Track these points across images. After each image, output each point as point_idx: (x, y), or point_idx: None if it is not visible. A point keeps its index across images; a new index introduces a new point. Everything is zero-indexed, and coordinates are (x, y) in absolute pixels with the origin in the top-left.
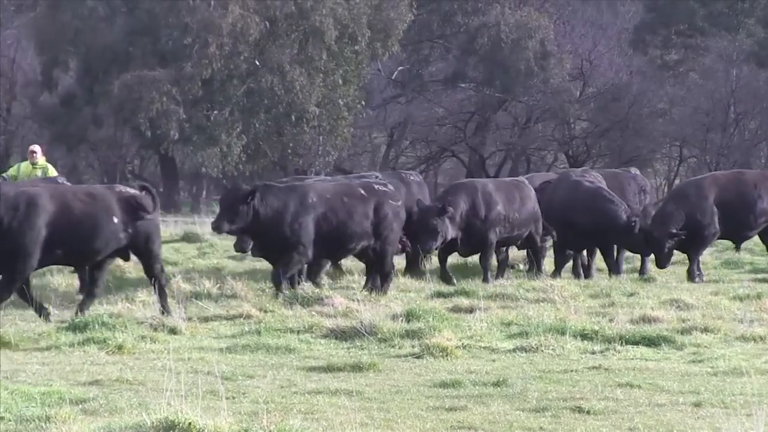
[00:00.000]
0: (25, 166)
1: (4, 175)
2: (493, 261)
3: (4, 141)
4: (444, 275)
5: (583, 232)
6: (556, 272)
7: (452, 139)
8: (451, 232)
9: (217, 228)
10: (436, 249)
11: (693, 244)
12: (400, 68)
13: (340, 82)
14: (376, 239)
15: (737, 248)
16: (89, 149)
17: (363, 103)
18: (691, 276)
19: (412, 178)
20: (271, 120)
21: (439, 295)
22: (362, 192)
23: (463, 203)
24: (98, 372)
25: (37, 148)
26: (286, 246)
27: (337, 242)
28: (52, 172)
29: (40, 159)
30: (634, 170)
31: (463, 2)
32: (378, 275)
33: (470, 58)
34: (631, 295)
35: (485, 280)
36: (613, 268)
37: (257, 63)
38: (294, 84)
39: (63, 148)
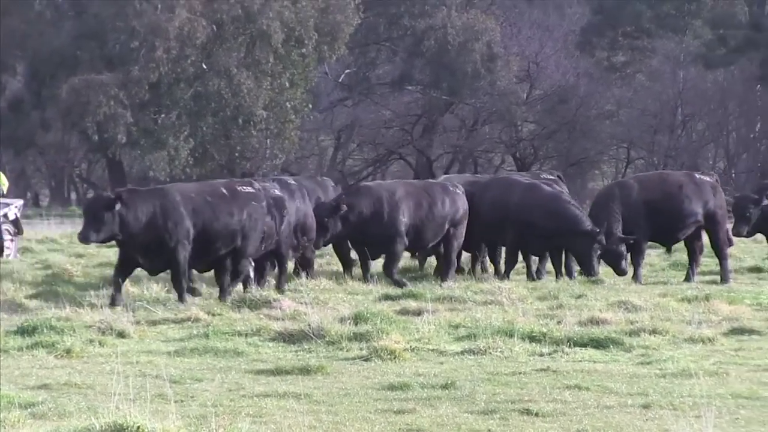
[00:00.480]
0: None
1: None
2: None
3: None
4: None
5: (543, 236)
6: (505, 275)
7: (399, 142)
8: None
9: (84, 239)
10: (324, 245)
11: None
12: (347, 71)
13: (287, 85)
14: (241, 240)
15: (668, 251)
16: (37, 153)
17: (310, 106)
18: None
19: (331, 184)
20: (219, 123)
21: (387, 297)
22: (225, 192)
23: (363, 205)
24: (47, 376)
25: None
26: (167, 249)
27: (204, 243)
28: (2, 178)
29: None
30: (549, 173)
31: (409, 5)
32: (232, 275)
33: (417, 60)
34: (579, 297)
35: (396, 283)
36: (567, 271)
37: (204, 66)
38: (241, 87)
39: (11, 152)
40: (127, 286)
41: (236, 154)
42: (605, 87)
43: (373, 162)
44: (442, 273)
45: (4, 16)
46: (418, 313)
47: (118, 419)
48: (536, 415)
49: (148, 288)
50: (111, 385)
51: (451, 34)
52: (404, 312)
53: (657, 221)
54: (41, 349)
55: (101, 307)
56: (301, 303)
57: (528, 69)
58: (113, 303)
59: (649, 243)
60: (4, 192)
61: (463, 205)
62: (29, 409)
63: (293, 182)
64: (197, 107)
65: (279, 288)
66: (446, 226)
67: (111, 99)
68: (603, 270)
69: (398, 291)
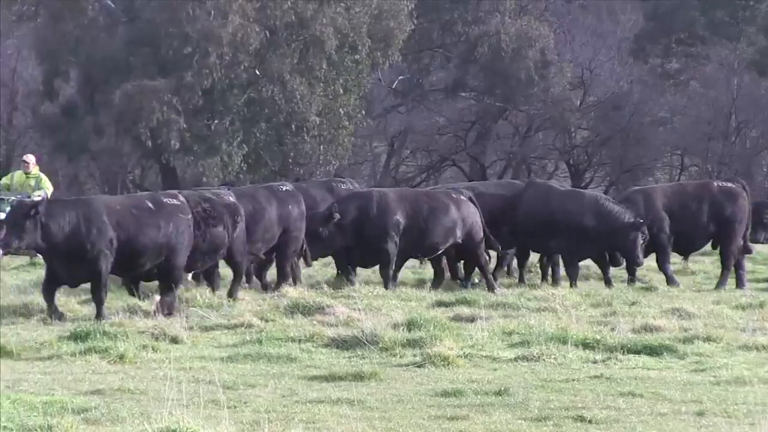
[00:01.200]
0: (18, 175)
1: None
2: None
3: (5, 151)
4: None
5: (591, 239)
6: (573, 283)
7: (453, 149)
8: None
9: (4, 245)
10: (321, 256)
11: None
12: (400, 77)
13: (341, 91)
14: (167, 252)
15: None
16: (90, 159)
17: (363, 112)
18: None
19: (342, 186)
20: (272, 129)
21: (441, 304)
22: (150, 205)
23: (355, 211)
24: (100, 381)
25: (30, 158)
26: (87, 258)
27: (128, 256)
28: (46, 182)
29: (34, 169)
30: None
31: (463, 12)
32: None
33: (470, 67)
34: (633, 304)
35: (386, 287)
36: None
37: (257, 72)
38: (294, 93)
39: (64, 157)
40: (182, 292)
41: (289, 160)
42: (659, 94)
43: (427, 168)
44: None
45: (58, 22)
46: (472, 319)
47: (171, 425)
48: (590, 422)
49: (202, 294)
50: (164, 390)
51: (505, 41)
52: (458, 318)
53: (675, 230)
54: (94, 354)
55: (155, 313)
56: (355, 309)
57: (581, 76)
58: (55, 318)
59: (705, 250)
60: (48, 195)
61: (468, 213)
62: (82, 415)
63: (286, 189)
64: (250, 113)
65: (231, 295)
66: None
67: (164, 105)
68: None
69: (452, 297)
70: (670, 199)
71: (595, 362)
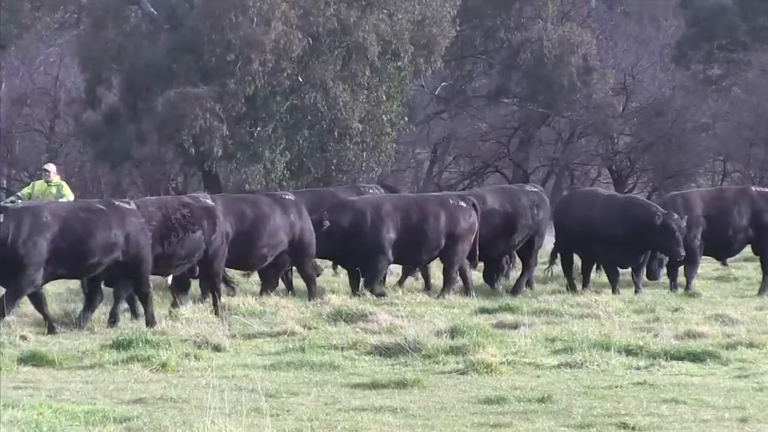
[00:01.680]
0: (39, 184)
1: (18, 194)
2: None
3: (47, 159)
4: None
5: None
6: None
7: (496, 155)
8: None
9: None
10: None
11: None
12: (443, 84)
13: (384, 98)
14: (125, 257)
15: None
16: (133, 166)
17: (406, 119)
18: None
19: (371, 191)
20: (315, 136)
21: (483, 311)
22: (101, 207)
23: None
24: (142, 390)
25: (51, 167)
26: (16, 267)
27: (76, 258)
28: (67, 190)
29: (54, 177)
30: (532, 186)
31: (505, 18)
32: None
33: (513, 73)
34: (676, 310)
35: (377, 294)
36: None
37: (300, 79)
38: (337, 100)
39: (107, 165)
40: (222, 300)
41: (332, 167)
42: (701, 100)
43: (470, 175)
44: (442, 288)
45: (100, 29)
46: (515, 326)
47: None
48: (633, 428)
49: (244, 301)
50: (206, 399)
51: (548, 47)
52: (501, 325)
53: (712, 235)
54: (137, 363)
55: (197, 321)
56: (398, 316)
57: (624, 82)
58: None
59: (749, 255)
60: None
61: (466, 219)
62: (125, 423)
63: (288, 197)
64: (293, 120)
65: (203, 295)
66: (441, 241)
67: (207, 112)
68: (699, 283)
69: (495, 304)
70: (708, 203)
71: (638, 369)
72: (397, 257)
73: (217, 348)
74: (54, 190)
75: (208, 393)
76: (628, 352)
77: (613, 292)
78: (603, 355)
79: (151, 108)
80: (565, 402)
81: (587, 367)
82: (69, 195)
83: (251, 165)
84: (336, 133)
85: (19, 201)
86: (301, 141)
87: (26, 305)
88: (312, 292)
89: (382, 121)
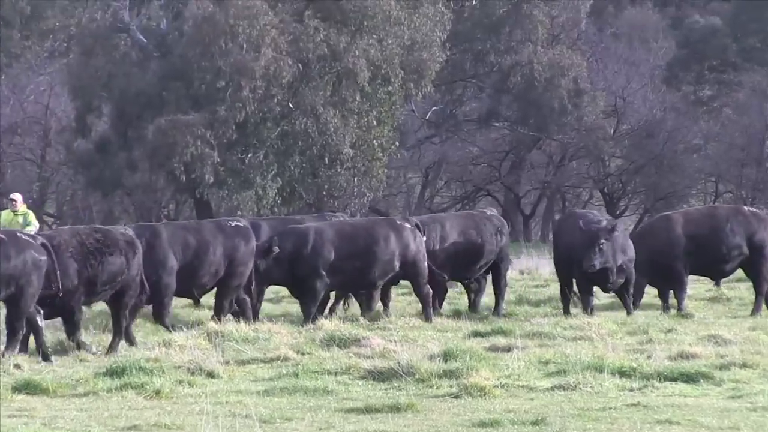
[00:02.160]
0: (6, 214)
1: None
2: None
3: (39, 188)
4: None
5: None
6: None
7: (487, 179)
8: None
9: None
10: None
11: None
12: (433, 108)
13: (374, 123)
14: (12, 287)
15: (717, 284)
16: (124, 194)
17: (397, 143)
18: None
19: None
20: (306, 162)
21: (476, 334)
22: (2, 237)
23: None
24: (136, 417)
25: (17, 196)
26: None
27: None
28: (32, 218)
29: (21, 206)
30: (490, 210)
31: (495, 42)
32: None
33: (504, 97)
34: (669, 331)
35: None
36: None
37: (291, 105)
38: (328, 126)
39: (98, 193)
40: (215, 326)
41: (324, 193)
42: (692, 121)
43: (461, 199)
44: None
45: (90, 57)
46: (508, 349)
47: None
48: None
49: (237, 328)
50: (201, 425)
51: (538, 70)
52: (494, 348)
53: (701, 255)
54: (130, 390)
55: (190, 348)
56: (391, 341)
57: (615, 104)
58: None
59: (741, 276)
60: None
61: (412, 241)
62: None
63: (235, 224)
64: (284, 146)
65: (126, 338)
66: (395, 264)
67: (198, 139)
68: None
69: (488, 327)
70: (697, 223)
71: (631, 390)
72: (344, 283)
73: (210, 374)
74: (20, 219)
75: (202, 419)
76: (622, 373)
77: (584, 311)
78: (596, 377)
79: (142, 136)
80: (559, 424)
81: (581, 389)
82: (35, 223)
83: (243, 191)
84: (327, 159)
85: None
86: (292, 167)
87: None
88: (248, 317)
89: (373, 146)
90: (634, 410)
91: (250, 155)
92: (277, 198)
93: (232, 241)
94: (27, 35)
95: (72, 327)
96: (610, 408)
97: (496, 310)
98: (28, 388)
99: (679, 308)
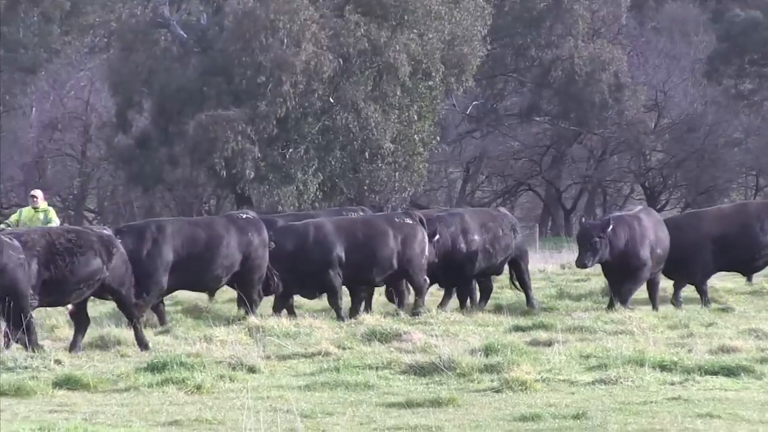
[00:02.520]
0: (27, 211)
1: (6, 221)
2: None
3: (79, 183)
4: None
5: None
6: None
7: (528, 173)
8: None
9: None
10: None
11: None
12: (474, 103)
13: (415, 117)
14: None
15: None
16: (165, 189)
17: (438, 138)
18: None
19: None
20: (347, 157)
21: (518, 328)
22: None
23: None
24: (177, 412)
25: (38, 192)
26: None
27: None
28: (53, 215)
29: (42, 203)
30: (503, 209)
31: (536, 36)
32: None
33: (544, 91)
34: (710, 325)
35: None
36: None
37: (331, 100)
38: (369, 120)
39: (139, 189)
40: (256, 321)
41: (365, 188)
42: (733, 115)
43: (502, 193)
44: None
45: (130, 53)
46: (549, 343)
47: None
48: None
49: (279, 323)
50: (242, 420)
51: (578, 65)
52: (535, 343)
53: (730, 253)
54: (171, 385)
55: (231, 343)
56: (432, 335)
57: (655, 98)
58: None
59: None
60: None
61: (414, 237)
62: None
63: (246, 217)
64: (325, 141)
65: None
66: (394, 261)
67: (238, 134)
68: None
69: (529, 322)
70: (726, 220)
71: (672, 384)
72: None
73: (251, 369)
74: (41, 215)
75: (243, 414)
76: (663, 367)
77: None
78: (637, 371)
79: (183, 131)
80: (600, 418)
81: (622, 383)
82: (56, 220)
83: (284, 186)
84: (368, 154)
85: (8, 228)
86: (333, 162)
87: (62, 329)
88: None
89: (414, 140)
90: (675, 404)
91: (290, 150)
92: (318, 193)
93: (246, 233)
94: (67, 31)
95: (18, 327)
96: (651, 402)
97: (531, 303)
98: (68, 383)
99: (704, 303)
